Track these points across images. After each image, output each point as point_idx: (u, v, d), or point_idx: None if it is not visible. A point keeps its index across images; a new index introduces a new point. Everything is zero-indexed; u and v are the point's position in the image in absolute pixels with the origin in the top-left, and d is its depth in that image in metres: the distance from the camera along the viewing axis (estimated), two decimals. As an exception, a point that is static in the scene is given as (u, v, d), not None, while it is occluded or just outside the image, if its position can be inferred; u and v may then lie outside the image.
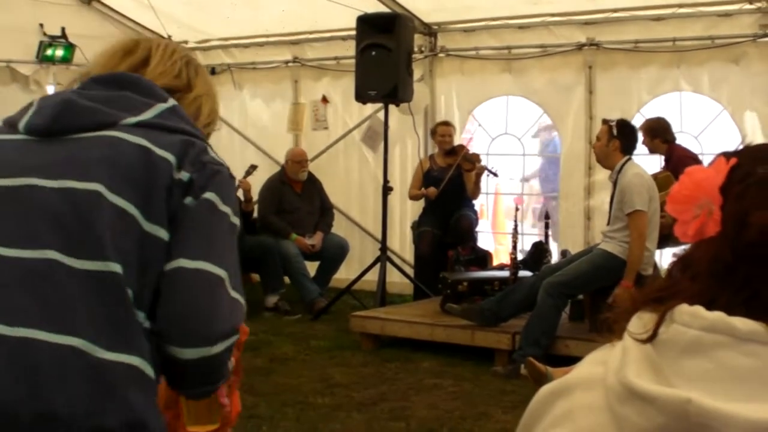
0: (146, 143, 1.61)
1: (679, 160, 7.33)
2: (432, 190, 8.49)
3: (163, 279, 1.57)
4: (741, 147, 1.11)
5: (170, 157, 1.61)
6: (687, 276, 1.05)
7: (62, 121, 1.63)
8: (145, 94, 1.70)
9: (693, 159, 7.48)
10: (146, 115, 1.66)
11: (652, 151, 7.62)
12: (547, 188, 10.15)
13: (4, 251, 1.52)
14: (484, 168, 8.44)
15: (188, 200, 1.62)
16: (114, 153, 1.60)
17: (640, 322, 1.05)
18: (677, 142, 7.66)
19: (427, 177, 8.65)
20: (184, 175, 1.61)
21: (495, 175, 8.63)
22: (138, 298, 1.54)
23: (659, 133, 7.50)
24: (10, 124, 1.67)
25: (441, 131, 8.64)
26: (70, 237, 1.53)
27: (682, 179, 1.09)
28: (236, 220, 1.67)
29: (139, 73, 1.78)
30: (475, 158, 8.53)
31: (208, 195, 1.63)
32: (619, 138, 6.41)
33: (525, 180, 9.71)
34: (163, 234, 1.58)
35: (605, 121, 6.68)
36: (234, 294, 1.62)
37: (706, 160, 7.57)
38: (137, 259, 1.55)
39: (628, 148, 6.45)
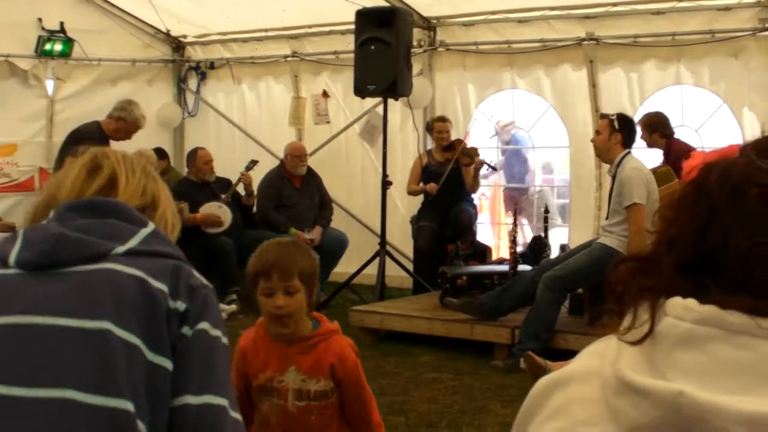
0: (141, 274, 1.65)
1: (678, 154, 7.32)
2: (432, 186, 8.49)
3: (172, 416, 1.63)
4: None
5: (164, 288, 1.65)
6: (672, 257, 1.05)
7: (56, 256, 1.64)
8: (127, 219, 1.73)
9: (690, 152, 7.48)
10: (133, 243, 1.68)
11: (651, 145, 7.62)
12: (512, 182, 10.37)
13: (16, 391, 1.54)
14: (483, 162, 8.44)
15: (185, 329, 1.66)
16: (115, 287, 1.62)
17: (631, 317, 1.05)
18: (676, 136, 7.66)
19: (425, 172, 8.65)
20: (180, 305, 1.66)
21: (494, 168, 8.63)
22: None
23: (658, 127, 7.51)
24: None
25: (438, 127, 8.63)
26: (84, 375, 1.56)
27: (689, 162, 1.12)
28: (226, 339, 1.73)
29: (110, 197, 1.79)
30: (473, 152, 8.52)
31: (203, 325, 1.68)
32: (620, 131, 6.43)
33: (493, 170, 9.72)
34: (168, 364, 1.63)
35: (604, 116, 6.70)
36: (234, 414, 1.69)
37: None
38: (146, 392, 1.59)
39: (628, 141, 6.47)
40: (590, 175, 8.54)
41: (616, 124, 6.46)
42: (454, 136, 8.74)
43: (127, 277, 1.63)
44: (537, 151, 9.49)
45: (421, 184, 8.67)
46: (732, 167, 1.05)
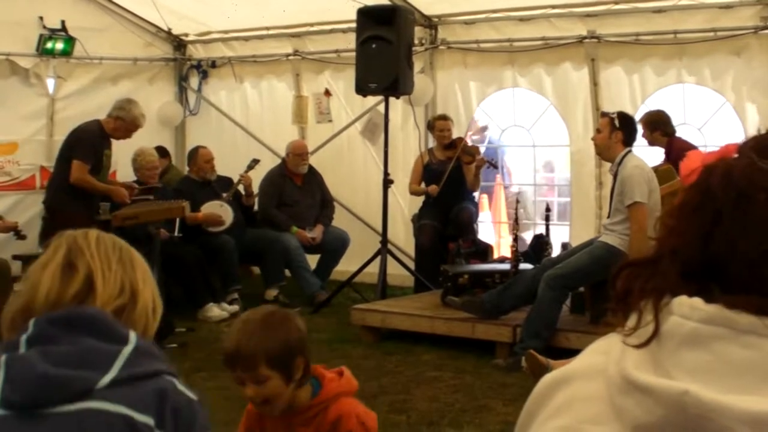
0: (126, 411, 1.63)
1: (679, 153, 7.33)
2: (434, 188, 8.47)
3: None
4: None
5: (150, 421, 1.65)
6: (676, 265, 1.04)
7: (41, 398, 1.62)
8: (107, 337, 1.71)
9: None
10: (115, 371, 1.66)
11: (652, 143, 7.62)
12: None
13: None
14: (484, 160, 8.44)
15: None
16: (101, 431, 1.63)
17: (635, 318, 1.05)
18: (678, 135, 7.65)
19: (427, 171, 8.65)
20: None
21: (495, 167, 8.62)
22: None
23: (659, 125, 7.50)
24: None
25: (439, 126, 8.62)
26: None
27: (686, 163, 1.11)
28: None
29: (88, 301, 1.76)
30: (475, 150, 8.53)
31: None
32: (621, 130, 6.43)
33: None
34: None
35: (604, 114, 6.70)
36: None
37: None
38: None
39: (629, 139, 6.47)
40: (590, 173, 8.54)
41: (616, 123, 6.46)
42: (455, 135, 8.74)
43: (113, 417, 1.62)
44: (537, 149, 9.45)
45: (423, 184, 8.67)
46: (733, 170, 1.04)
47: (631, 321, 1.05)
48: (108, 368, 1.65)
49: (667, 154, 7.51)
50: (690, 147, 7.50)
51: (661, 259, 1.05)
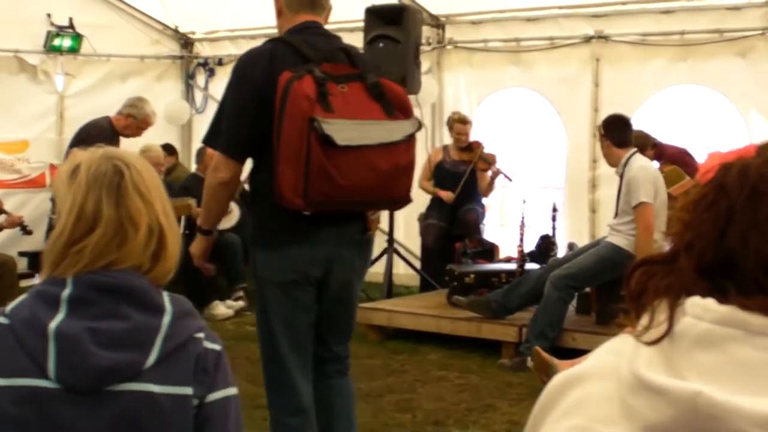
0: (168, 389, 1.78)
1: (672, 156, 7.34)
2: (449, 196, 8.40)
3: None
4: None
5: (189, 391, 1.80)
6: (691, 260, 1.05)
7: (95, 384, 1.74)
8: (147, 308, 1.80)
9: (685, 153, 7.48)
10: (156, 349, 1.78)
11: None
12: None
13: None
14: (500, 171, 8.36)
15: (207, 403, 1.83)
16: (154, 412, 1.76)
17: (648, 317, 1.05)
18: (666, 140, 7.66)
19: (440, 169, 8.60)
20: (202, 398, 1.82)
21: (510, 179, 8.48)
22: None
23: (644, 145, 7.35)
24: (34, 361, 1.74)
25: (458, 129, 8.51)
26: None
27: (706, 162, 1.12)
28: (235, 389, 1.89)
29: (123, 263, 1.82)
30: (491, 159, 8.45)
31: (219, 394, 1.85)
32: (607, 135, 6.44)
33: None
34: None
35: (598, 126, 6.73)
36: None
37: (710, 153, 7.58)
38: None
39: (622, 140, 6.43)
40: (585, 175, 8.52)
41: (602, 131, 6.50)
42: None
43: (158, 396, 1.76)
44: (535, 149, 9.40)
45: (433, 182, 8.60)
46: (749, 167, 1.05)
47: (644, 320, 1.05)
48: (150, 347, 1.77)
49: (657, 158, 7.43)
50: (681, 149, 7.56)
51: (676, 256, 1.06)
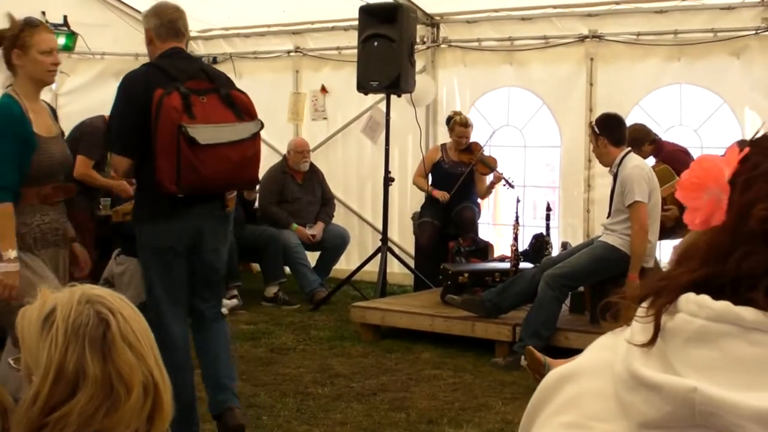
0: None
1: (670, 153, 7.34)
2: (445, 196, 8.38)
3: None
4: (759, 136, 1.10)
5: None
6: (685, 265, 1.05)
7: None
8: None
9: (683, 152, 7.48)
10: None
11: (644, 158, 7.56)
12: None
13: None
14: (501, 177, 8.33)
15: None
16: None
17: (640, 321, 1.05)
18: (665, 138, 7.65)
19: (437, 168, 8.58)
20: None
21: (512, 186, 8.37)
22: None
23: (643, 139, 7.37)
24: None
25: (459, 132, 8.46)
26: None
27: (692, 166, 1.10)
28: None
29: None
30: (493, 163, 8.42)
31: None
32: (603, 134, 6.43)
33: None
34: None
35: (591, 125, 6.72)
36: None
37: (701, 154, 7.56)
38: None
39: (617, 139, 6.44)
40: (579, 175, 8.53)
41: (596, 129, 6.49)
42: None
43: None
44: (528, 149, 9.35)
45: (430, 178, 8.58)
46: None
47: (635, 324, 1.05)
48: None
49: (655, 154, 7.45)
50: (679, 147, 7.55)
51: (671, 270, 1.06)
